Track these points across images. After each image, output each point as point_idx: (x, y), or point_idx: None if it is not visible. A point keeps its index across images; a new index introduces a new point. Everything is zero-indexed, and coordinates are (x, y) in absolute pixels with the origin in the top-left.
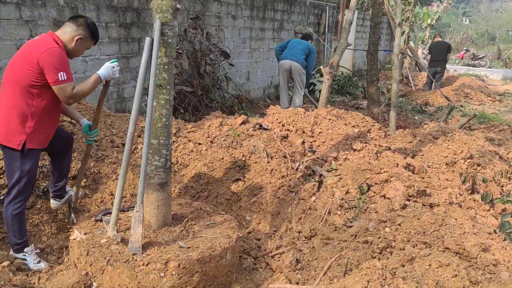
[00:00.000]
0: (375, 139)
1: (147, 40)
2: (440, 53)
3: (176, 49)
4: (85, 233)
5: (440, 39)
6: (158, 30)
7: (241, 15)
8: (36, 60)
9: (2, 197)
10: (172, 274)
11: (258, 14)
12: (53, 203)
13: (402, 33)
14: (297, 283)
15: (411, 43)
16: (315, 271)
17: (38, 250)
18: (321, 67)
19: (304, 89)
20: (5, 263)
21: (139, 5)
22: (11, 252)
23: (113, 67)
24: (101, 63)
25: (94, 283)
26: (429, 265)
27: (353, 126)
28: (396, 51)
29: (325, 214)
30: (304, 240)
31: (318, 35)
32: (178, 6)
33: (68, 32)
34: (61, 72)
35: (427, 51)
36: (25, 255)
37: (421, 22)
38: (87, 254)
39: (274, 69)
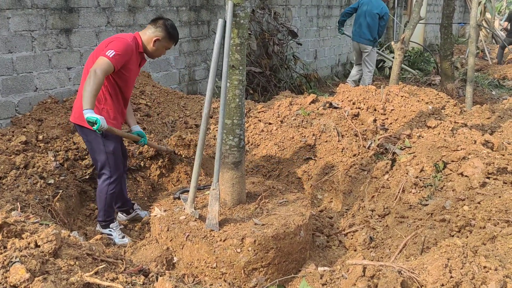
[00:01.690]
0: (451, 116)
1: (220, 22)
2: None
3: None
4: (165, 210)
5: None
6: (231, 11)
7: None
8: (107, 43)
9: (87, 176)
10: (248, 250)
11: None
12: (119, 216)
13: (479, 4)
14: (372, 261)
15: (488, 14)
16: (390, 249)
17: (122, 226)
18: (392, 43)
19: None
20: (98, 237)
21: None
22: (98, 228)
23: None
24: None
25: (174, 257)
26: None
27: (427, 103)
28: (473, 23)
29: (399, 192)
30: (377, 219)
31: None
32: None
33: (147, 34)
34: (112, 51)
35: (505, 21)
36: (110, 231)
37: None
38: (168, 230)
39: (342, 47)
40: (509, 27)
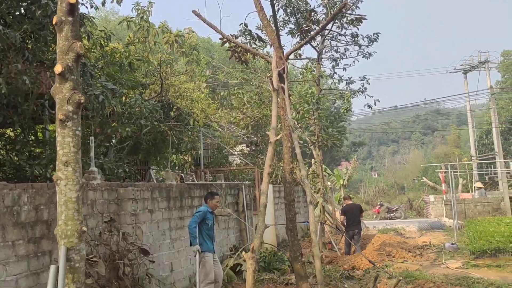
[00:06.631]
0: None
1: (52, 269)
2: (355, 217)
3: (90, 257)
4: None
5: (350, 202)
6: (64, 256)
7: (158, 208)
8: None
9: None
10: None
11: (176, 204)
12: None
13: (316, 205)
14: None
15: (329, 206)
16: None
17: None
18: (243, 253)
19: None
20: None
21: (49, 217)
22: None
23: None
24: (8, 284)
25: None
26: None
27: None
28: (312, 227)
29: None
30: None
31: (238, 214)
32: (84, 228)
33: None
34: None
35: (341, 215)
36: None
37: (334, 184)
38: None
39: None
40: (345, 222)
